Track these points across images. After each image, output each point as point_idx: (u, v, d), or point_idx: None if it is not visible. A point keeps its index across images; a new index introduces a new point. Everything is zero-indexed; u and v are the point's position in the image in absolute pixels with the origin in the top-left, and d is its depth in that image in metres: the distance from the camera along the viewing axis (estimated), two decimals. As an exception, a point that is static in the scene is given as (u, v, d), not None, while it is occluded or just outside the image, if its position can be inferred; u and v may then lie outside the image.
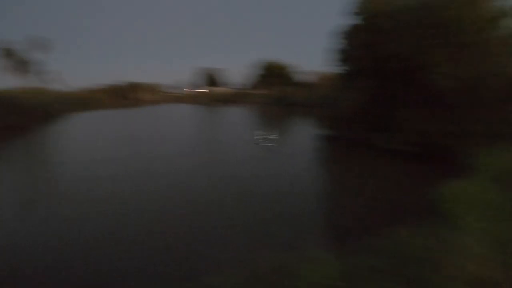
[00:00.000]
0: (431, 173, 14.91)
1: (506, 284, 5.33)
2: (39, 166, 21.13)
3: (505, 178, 10.20)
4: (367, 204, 12.20)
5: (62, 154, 24.71)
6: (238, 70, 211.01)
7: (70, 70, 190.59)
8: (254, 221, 11.00)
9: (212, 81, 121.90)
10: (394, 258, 5.05)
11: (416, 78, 19.01)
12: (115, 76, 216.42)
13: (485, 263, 5.75)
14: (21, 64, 67.18)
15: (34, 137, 35.07)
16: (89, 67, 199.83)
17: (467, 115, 18.39)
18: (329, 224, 11.08)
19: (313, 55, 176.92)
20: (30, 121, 44.73)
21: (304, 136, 31.12)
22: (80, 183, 16.01)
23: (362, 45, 24.67)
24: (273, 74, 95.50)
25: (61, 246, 9.40)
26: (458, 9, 17.86)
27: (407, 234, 5.65)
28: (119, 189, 14.95)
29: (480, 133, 17.70)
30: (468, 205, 7.48)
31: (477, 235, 6.32)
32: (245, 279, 4.58)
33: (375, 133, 22.41)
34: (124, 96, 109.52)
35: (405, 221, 6.27)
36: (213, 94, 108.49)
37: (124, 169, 18.74)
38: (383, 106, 22.32)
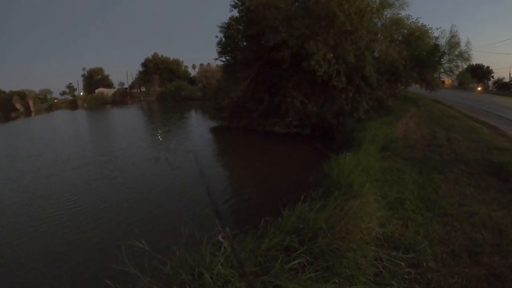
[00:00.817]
0: (324, 150, 15.73)
1: (408, 236, 5.72)
2: None
3: (390, 147, 11.08)
4: (267, 188, 12.27)
5: None
6: (125, 69, 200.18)
7: None
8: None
9: (97, 82, 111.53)
10: (300, 234, 4.88)
11: (299, 65, 19.85)
12: None
13: (386, 222, 5.96)
14: None
15: None
16: None
17: (350, 94, 20.27)
18: (233, 210, 10.78)
19: (202, 49, 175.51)
20: None
21: (197, 128, 30.80)
22: None
23: (244, 36, 25.45)
24: (162, 70, 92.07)
25: None
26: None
27: (309, 208, 5.48)
28: None
29: (363, 109, 19.67)
30: (361, 173, 7.76)
31: (374, 199, 6.52)
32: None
33: (266, 119, 23.39)
34: (12, 107, 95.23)
35: (305, 197, 6.12)
36: (102, 96, 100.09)
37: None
38: (270, 94, 23.34)
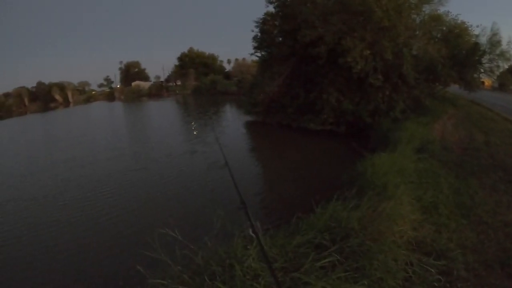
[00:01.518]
0: (358, 149, 15.65)
1: (440, 242, 5.58)
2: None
3: (427, 148, 10.84)
4: (299, 185, 12.30)
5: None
6: (161, 63, 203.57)
7: None
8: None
9: (134, 75, 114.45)
10: (332, 232, 4.89)
11: (335, 61, 19.65)
12: (37, 78, 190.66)
13: (419, 226, 5.89)
14: None
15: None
16: (3, 70, 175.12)
17: (386, 93, 19.84)
18: (266, 205, 10.93)
19: (237, 43, 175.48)
20: None
21: (233, 123, 31.12)
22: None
23: (280, 31, 25.45)
24: (197, 64, 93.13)
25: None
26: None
27: (342, 207, 5.50)
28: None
29: (400, 109, 19.27)
30: (394, 174, 7.67)
31: (407, 201, 6.45)
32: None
33: (300, 116, 23.29)
34: (51, 98, 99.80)
35: (338, 196, 6.12)
36: (138, 89, 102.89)
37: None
38: (305, 90, 23.11)
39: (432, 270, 4.71)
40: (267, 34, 26.45)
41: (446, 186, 8.28)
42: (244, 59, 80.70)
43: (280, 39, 25.75)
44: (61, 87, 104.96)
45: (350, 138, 18.79)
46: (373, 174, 7.42)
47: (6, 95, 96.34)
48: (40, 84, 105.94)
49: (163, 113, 48.33)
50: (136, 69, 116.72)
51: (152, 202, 11.92)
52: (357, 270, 4.26)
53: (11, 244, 9.75)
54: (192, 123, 32.58)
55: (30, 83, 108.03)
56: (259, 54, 28.27)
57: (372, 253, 4.54)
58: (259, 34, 27.08)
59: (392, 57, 18.75)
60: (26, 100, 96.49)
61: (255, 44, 27.57)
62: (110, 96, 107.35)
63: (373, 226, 5.07)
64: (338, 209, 5.52)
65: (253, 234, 5.36)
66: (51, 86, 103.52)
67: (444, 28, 23.61)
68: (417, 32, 20.81)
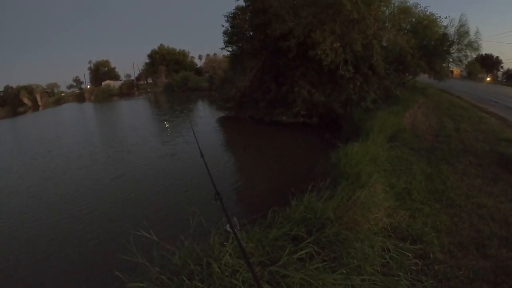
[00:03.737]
0: (330, 140, 15.66)
1: (415, 227, 5.73)
2: None
3: (398, 136, 11.02)
4: (273, 178, 12.30)
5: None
6: (131, 61, 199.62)
7: None
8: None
9: (104, 74, 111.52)
10: (308, 224, 4.90)
11: (306, 54, 19.74)
12: (4, 82, 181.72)
13: (393, 212, 5.96)
14: None
15: None
16: None
17: (357, 84, 20.11)
18: (241, 199, 10.87)
19: (208, 39, 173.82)
20: None
21: (206, 119, 30.87)
22: None
23: (251, 26, 25.32)
24: (168, 61, 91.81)
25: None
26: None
27: (316, 199, 5.50)
28: None
29: (371, 99, 19.60)
30: (369, 163, 7.75)
31: (381, 189, 6.51)
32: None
33: (272, 109, 23.29)
34: (19, 102, 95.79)
35: (312, 187, 6.12)
36: (109, 88, 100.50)
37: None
38: (277, 83, 23.20)
39: (409, 255, 4.78)
40: (238, 29, 26.30)
41: (419, 172, 8.45)
42: (215, 54, 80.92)
43: (251, 33, 25.66)
44: (30, 90, 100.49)
45: (323, 130, 19.00)
46: (346, 164, 7.45)
47: None
48: (7, 88, 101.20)
49: (135, 113, 47.51)
50: (106, 68, 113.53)
51: (126, 205, 11.59)
52: (335, 259, 4.26)
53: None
54: (166, 123, 32.09)
55: None
56: (230, 49, 28.10)
57: (348, 241, 4.55)
58: (229, 29, 26.85)
59: (362, 49, 18.96)
60: None
61: (226, 39, 27.31)
62: (80, 97, 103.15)
63: (348, 215, 5.08)
64: (313, 201, 5.51)
65: (229, 229, 5.29)
66: (19, 89, 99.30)
67: (413, 20, 24.18)
68: (387, 24, 21.19)
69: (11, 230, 10.62)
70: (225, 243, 4.13)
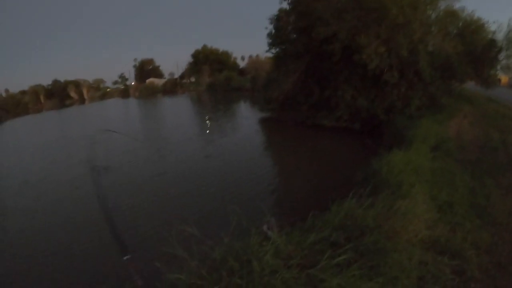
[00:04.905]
0: (372, 146, 15.49)
1: (455, 241, 5.57)
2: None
3: (442, 146, 10.73)
4: (313, 182, 12.33)
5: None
6: (175, 60, 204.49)
7: None
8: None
9: (148, 72, 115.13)
10: (348, 230, 4.93)
11: (350, 58, 19.54)
12: (52, 76, 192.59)
13: (433, 225, 5.88)
14: None
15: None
16: (20, 68, 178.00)
17: (402, 90, 19.64)
18: (279, 202, 10.99)
19: (251, 40, 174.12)
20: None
21: (246, 120, 31.27)
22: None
23: (294, 28, 25.16)
24: (211, 61, 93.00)
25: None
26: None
27: (357, 205, 5.53)
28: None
29: (415, 106, 19.00)
30: (410, 173, 7.64)
31: (422, 200, 6.43)
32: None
33: (315, 113, 23.29)
34: (67, 95, 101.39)
35: (353, 193, 6.13)
36: (153, 86, 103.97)
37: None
38: (320, 86, 23.03)
39: (446, 270, 4.70)
40: (281, 31, 26.20)
41: (461, 185, 8.17)
42: (258, 56, 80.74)
43: (295, 36, 25.48)
44: (77, 84, 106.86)
45: (364, 135, 18.73)
46: (388, 172, 7.39)
47: (22, 93, 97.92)
48: (55, 82, 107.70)
49: (178, 111, 48.82)
50: (151, 66, 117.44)
51: (169, 201, 12.11)
52: (372, 268, 4.29)
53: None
54: (207, 121, 32.71)
55: (46, 81, 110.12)
56: (273, 51, 28.12)
57: (386, 251, 4.56)
58: (273, 31, 26.88)
59: (407, 54, 18.49)
60: (42, 98, 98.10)
61: (270, 41, 27.37)
62: (124, 93, 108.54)
63: (388, 224, 5.09)
64: (353, 207, 5.53)
65: (267, 230, 5.45)
66: (66, 83, 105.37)
67: (460, 24, 23.17)
68: (433, 28, 20.48)
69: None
70: (264, 243, 4.26)
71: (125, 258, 8.00)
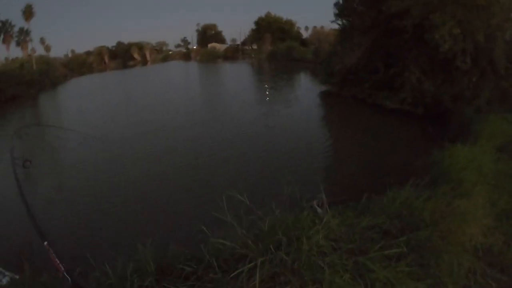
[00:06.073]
0: (434, 135, 14.78)
1: (508, 255, 5.09)
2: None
3: (508, 149, 9.90)
4: (368, 163, 11.95)
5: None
6: (238, 26, 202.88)
7: (61, 35, 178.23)
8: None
9: (211, 37, 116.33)
10: (402, 220, 4.67)
11: (421, 37, 18.23)
12: (115, 38, 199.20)
13: (489, 232, 5.47)
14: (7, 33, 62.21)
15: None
16: (85, 30, 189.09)
17: (473, 79, 18.05)
18: (332, 179, 10.85)
19: (316, 10, 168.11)
20: (34, 90, 43.89)
21: (306, 92, 31.03)
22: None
23: (364, 0, 23.85)
24: (274, 29, 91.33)
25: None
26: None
27: (415, 196, 5.22)
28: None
29: (485, 99, 17.36)
30: (472, 171, 7.11)
31: (482, 203, 5.97)
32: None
33: (377, 91, 22.24)
34: (130, 56, 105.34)
35: (409, 182, 5.83)
36: (214, 50, 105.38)
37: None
38: (385, 64, 21.88)
39: (493, 284, 4.34)
40: (350, 2, 24.99)
41: (524, 195, 7.52)
42: (322, 27, 78.03)
43: (363, 8, 24.04)
44: (140, 46, 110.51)
45: (426, 122, 17.54)
46: (450, 166, 6.94)
47: (88, 53, 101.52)
48: (119, 43, 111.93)
49: (238, 76, 49.37)
50: (213, 32, 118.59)
51: (223, 167, 12.50)
52: (421, 266, 4.02)
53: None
54: (267, 90, 32.55)
55: (110, 43, 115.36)
56: (339, 23, 26.90)
57: (439, 251, 4.27)
58: (341, 1, 25.73)
59: (483, 40, 16.97)
60: (106, 58, 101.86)
61: (336, 12, 26.20)
62: (186, 56, 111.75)
63: (444, 222, 4.74)
64: (411, 197, 5.21)
65: (316, 206, 5.32)
66: (130, 45, 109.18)
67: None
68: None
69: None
70: (316, 221, 4.11)
71: None
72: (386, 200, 5.19)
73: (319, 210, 5.14)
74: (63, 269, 2.35)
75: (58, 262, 2.44)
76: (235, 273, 3.36)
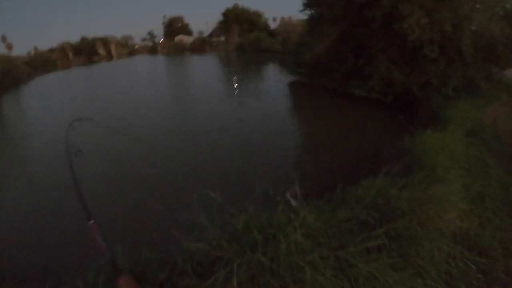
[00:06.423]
0: (404, 123, 14.79)
1: (483, 238, 5.20)
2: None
3: (478, 133, 10.07)
4: (340, 153, 11.85)
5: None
6: (205, 18, 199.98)
7: (23, 33, 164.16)
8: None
9: (177, 30, 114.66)
10: (379, 210, 4.53)
11: (389, 27, 18.35)
12: (79, 34, 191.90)
13: (465, 216, 5.45)
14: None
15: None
16: (48, 27, 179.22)
17: (440, 67, 18.22)
18: (305, 170, 10.68)
19: (285, 0, 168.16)
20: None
21: (275, 83, 30.75)
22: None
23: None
24: (242, 21, 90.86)
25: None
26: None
27: (390, 184, 5.10)
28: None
29: (453, 86, 17.71)
30: (445, 156, 7.10)
31: (457, 188, 5.95)
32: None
33: (347, 81, 22.36)
34: (94, 52, 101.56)
35: (381, 171, 5.72)
36: (181, 43, 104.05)
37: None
38: (355, 54, 21.87)
39: (473, 267, 4.37)
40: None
41: (495, 178, 7.52)
42: (290, 17, 77.94)
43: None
44: (105, 41, 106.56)
45: (396, 110, 17.67)
46: (423, 152, 6.90)
47: (51, 50, 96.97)
48: (83, 39, 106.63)
49: (205, 69, 48.88)
50: (180, 24, 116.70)
51: (191, 164, 11.97)
52: (402, 256, 3.89)
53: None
54: (235, 82, 32.14)
55: (74, 39, 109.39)
56: (308, 12, 26.56)
57: (419, 239, 4.17)
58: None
59: (451, 30, 17.23)
60: (70, 55, 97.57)
61: (305, 1, 25.82)
62: (152, 50, 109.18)
63: (422, 209, 4.64)
64: (386, 186, 5.09)
65: (290, 198, 5.09)
66: (94, 40, 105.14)
67: (507, 6, 21.45)
68: (478, 6, 18.91)
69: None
70: (292, 216, 3.89)
71: None
72: (361, 191, 5.03)
73: (293, 202, 4.92)
74: (104, 245, 2.21)
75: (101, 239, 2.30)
76: (211, 279, 3.13)
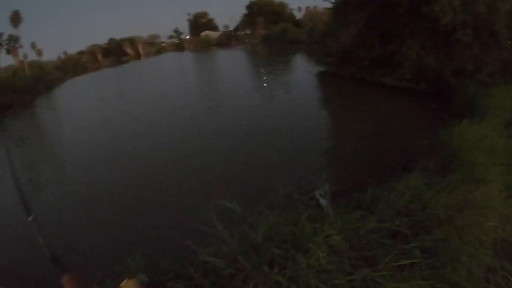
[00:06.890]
0: (438, 111, 13.90)
1: None
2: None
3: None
4: (371, 146, 11.26)
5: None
6: (228, 12, 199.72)
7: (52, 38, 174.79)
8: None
9: (203, 25, 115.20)
10: (413, 218, 4.08)
11: (418, 11, 17.37)
12: (106, 35, 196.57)
13: (508, 222, 4.86)
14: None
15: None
16: (76, 30, 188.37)
17: (477, 53, 17.03)
18: (334, 164, 10.33)
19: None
20: (29, 96, 42.80)
21: (302, 74, 30.13)
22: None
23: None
24: (266, 13, 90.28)
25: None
26: None
27: (425, 186, 4.64)
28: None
29: (488, 72, 16.54)
30: (483, 151, 6.47)
31: (496, 190, 5.36)
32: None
33: (376, 69, 21.45)
34: (123, 52, 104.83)
35: (415, 168, 5.27)
36: (207, 39, 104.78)
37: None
38: (382, 41, 20.94)
39: None
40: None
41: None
42: (315, 7, 76.84)
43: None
44: (132, 41, 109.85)
45: (429, 98, 16.61)
46: (460, 146, 6.36)
47: (80, 53, 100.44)
48: (111, 40, 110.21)
49: (233, 63, 49.15)
50: (205, 20, 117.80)
51: (215, 162, 11.82)
52: (435, 270, 3.44)
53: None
54: (263, 75, 31.69)
55: (102, 41, 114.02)
56: (332, 0, 25.80)
57: (456, 252, 3.67)
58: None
59: (484, 11, 16.11)
60: (99, 56, 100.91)
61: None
62: (179, 47, 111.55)
63: (460, 217, 4.14)
64: (421, 187, 4.65)
65: (319, 197, 4.76)
66: (122, 41, 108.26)
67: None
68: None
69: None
70: (317, 226, 3.57)
71: None
72: (394, 195, 4.56)
73: (322, 201, 4.61)
74: (42, 242, 2.07)
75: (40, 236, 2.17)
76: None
